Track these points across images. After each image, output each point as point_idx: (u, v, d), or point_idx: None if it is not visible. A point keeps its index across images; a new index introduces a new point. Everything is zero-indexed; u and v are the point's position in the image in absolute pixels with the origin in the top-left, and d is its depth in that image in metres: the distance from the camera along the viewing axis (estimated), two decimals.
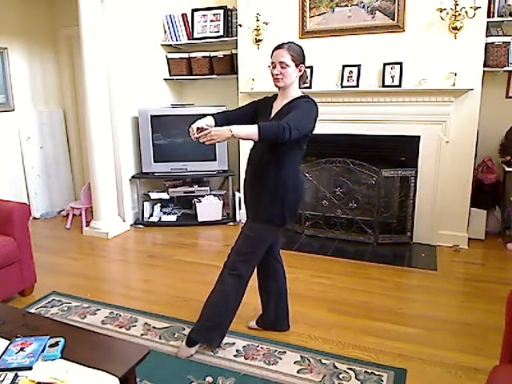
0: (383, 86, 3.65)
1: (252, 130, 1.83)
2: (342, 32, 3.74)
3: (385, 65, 3.63)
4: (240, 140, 1.95)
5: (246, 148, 3.42)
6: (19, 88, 4.53)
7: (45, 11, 4.73)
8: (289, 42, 2.08)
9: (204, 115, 2.20)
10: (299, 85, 2.15)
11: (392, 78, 3.60)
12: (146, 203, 4.49)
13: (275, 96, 2.20)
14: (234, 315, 2.24)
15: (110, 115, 4.10)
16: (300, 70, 2.09)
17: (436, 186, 3.67)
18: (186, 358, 2.20)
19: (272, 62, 2.07)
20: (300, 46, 2.10)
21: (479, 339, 2.37)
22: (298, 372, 2.10)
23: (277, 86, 2.11)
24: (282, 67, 2.03)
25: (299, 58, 2.07)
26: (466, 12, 3.28)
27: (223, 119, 2.19)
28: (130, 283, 3.22)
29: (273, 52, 2.09)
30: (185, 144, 4.26)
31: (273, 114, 2.12)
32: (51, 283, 3.09)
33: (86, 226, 4.28)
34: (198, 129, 1.89)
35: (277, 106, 2.14)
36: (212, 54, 4.51)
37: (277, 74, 2.05)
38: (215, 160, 4.36)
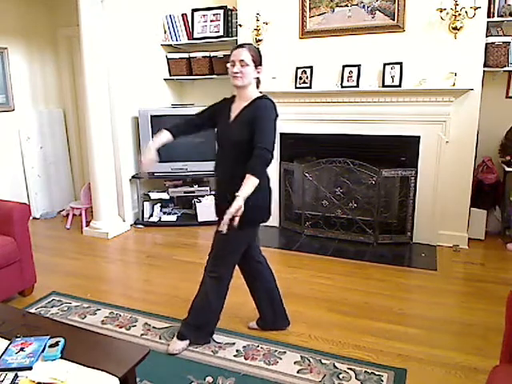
0: (383, 85, 3.65)
1: (252, 183, 1.90)
2: (342, 32, 3.74)
3: (385, 65, 3.63)
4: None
5: None
6: (19, 88, 4.53)
7: (45, 11, 4.73)
8: (249, 44, 2.14)
9: (171, 127, 2.26)
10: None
11: (392, 78, 3.60)
12: (146, 203, 4.49)
13: (233, 97, 2.20)
14: (218, 315, 2.29)
15: (110, 115, 4.10)
16: (258, 72, 2.11)
17: (436, 186, 3.67)
18: (177, 352, 2.23)
19: (232, 60, 2.07)
20: (259, 49, 2.15)
21: (479, 339, 2.37)
22: (297, 372, 2.09)
23: (235, 85, 2.10)
24: (241, 65, 2.04)
25: (258, 59, 2.10)
26: (466, 12, 3.28)
27: (181, 130, 2.28)
28: (130, 283, 3.22)
29: (232, 51, 2.10)
30: (185, 144, 4.24)
31: (232, 117, 2.12)
32: (51, 283, 3.09)
33: (86, 226, 4.28)
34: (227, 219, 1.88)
35: (235, 109, 2.13)
36: (212, 53, 4.51)
37: (236, 72, 2.05)
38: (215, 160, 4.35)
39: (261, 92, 2.17)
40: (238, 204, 1.84)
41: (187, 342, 2.28)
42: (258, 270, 2.39)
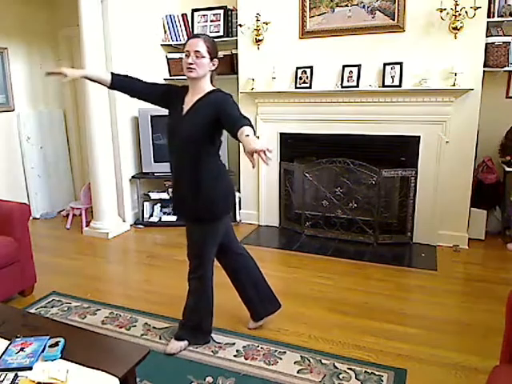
0: (383, 85, 3.65)
1: (251, 129, 1.72)
2: (342, 32, 3.74)
3: (385, 65, 3.63)
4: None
5: None
6: (19, 88, 4.53)
7: (45, 11, 4.73)
8: (204, 34, 2.06)
9: (118, 75, 2.17)
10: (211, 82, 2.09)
11: (392, 78, 3.60)
12: (146, 203, 4.49)
13: (186, 89, 2.11)
14: (210, 313, 2.30)
15: (110, 115, 4.10)
16: (213, 65, 2.04)
17: (436, 186, 3.67)
18: (176, 352, 2.23)
19: (186, 51, 1.99)
20: (214, 41, 2.07)
21: (479, 339, 2.37)
22: (298, 372, 2.09)
23: (189, 77, 2.02)
24: (196, 56, 1.97)
25: (214, 51, 2.03)
26: (466, 12, 3.28)
27: (126, 84, 2.16)
28: (130, 283, 3.22)
29: (187, 41, 2.02)
30: None
31: (185, 110, 2.05)
32: (51, 283, 3.08)
33: (86, 226, 4.28)
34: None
35: (188, 102, 2.06)
36: None
37: (190, 64, 1.97)
38: None
39: (214, 86, 2.09)
40: (250, 143, 1.59)
41: (185, 342, 2.28)
42: (240, 262, 2.38)
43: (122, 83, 2.18)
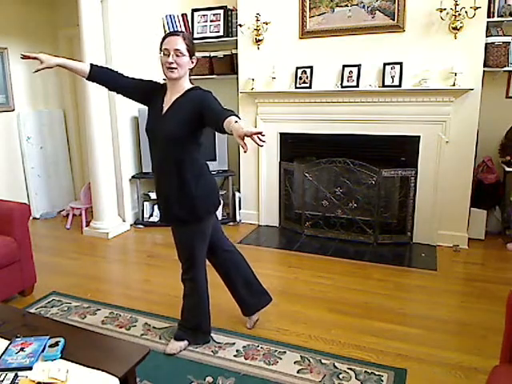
0: (383, 85, 3.65)
1: (236, 118, 1.67)
2: (342, 32, 3.74)
3: (385, 65, 3.63)
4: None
5: None
6: (19, 88, 4.53)
7: (45, 11, 4.73)
8: (182, 32, 1.99)
9: (98, 66, 2.11)
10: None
11: (392, 78, 3.60)
12: (146, 203, 4.49)
13: (165, 87, 2.06)
14: (207, 313, 2.29)
15: (110, 115, 4.10)
16: (192, 62, 1.99)
17: (436, 186, 3.67)
18: (176, 352, 2.23)
19: (165, 49, 1.92)
20: (192, 38, 2.01)
21: (479, 339, 2.37)
22: (298, 372, 2.09)
23: (169, 78, 1.97)
24: (176, 55, 1.91)
25: (193, 49, 1.97)
26: (466, 12, 3.28)
27: (104, 77, 2.08)
28: (130, 283, 3.22)
29: (164, 39, 1.95)
30: None
31: (165, 109, 2.01)
32: (51, 283, 3.09)
33: (86, 226, 4.28)
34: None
35: (168, 101, 2.02)
36: (212, 53, 4.51)
37: (171, 63, 1.90)
38: (215, 160, 4.35)
39: (192, 83, 2.05)
40: (239, 127, 1.57)
41: (185, 342, 2.28)
42: (229, 259, 2.37)
43: (101, 75, 2.11)
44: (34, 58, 2.01)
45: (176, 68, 1.93)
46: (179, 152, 1.98)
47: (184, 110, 1.95)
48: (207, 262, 2.29)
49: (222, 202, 2.22)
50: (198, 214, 2.06)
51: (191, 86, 2.04)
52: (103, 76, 2.11)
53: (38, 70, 2.02)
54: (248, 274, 2.41)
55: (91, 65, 2.09)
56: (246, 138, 1.52)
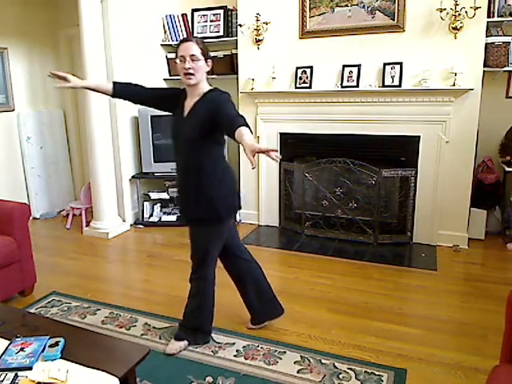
0: (383, 85, 3.65)
1: (249, 131, 1.71)
2: (342, 32, 3.73)
3: (385, 65, 3.63)
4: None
5: None
6: (19, 88, 4.53)
7: (45, 11, 4.73)
8: (195, 37, 2.06)
9: (120, 83, 2.17)
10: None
11: (392, 78, 3.60)
12: (146, 203, 4.49)
13: (185, 92, 2.10)
14: (211, 314, 2.29)
15: (110, 115, 4.10)
16: (208, 66, 2.04)
17: (436, 186, 3.67)
18: (176, 352, 2.23)
19: (181, 56, 1.96)
20: (204, 41, 2.06)
21: (479, 339, 2.37)
22: (298, 372, 2.09)
23: (187, 84, 2.01)
24: (192, 60, 1.95)
25: (206, 52, 2.02)
26: (466, 12, 3.28)
27: (129, 91, 2.14)
28: (130, 283, 3.22)
29: (179, 45, 1.99)
30: None
31: (186, 113, 2.05)
32: (51, 283, 3.09)
33: (86, 226, 4.28)
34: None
35: (188, 105, 2.06)
36: (212, 54, 4.49)
37: (188, 68, 1.95)
38: None
39: (210, 85, 2.10)
40: (253, 143, 1.60)
41: (185, 342, 2.28)
42: (244, 267, 2.38)
43: (124, 91, 2.18)
44: (63, 78, 2.09)
45: (193, 74, 1.97)
46: (198, 153, 2.02)
47: (201, 112, 1.98)
48: (219, 264, 2.29)
49: (241, 205, 2.25)
50: (215, 215, 2.08)
51: (209, 87, 2.08)
52: (126, 92, 2.18)
53: (62, 87, 2.10)
54: (262, 285, 2.41)
55: (114, 83, 2.16)
56: (255, 154, 1.55)
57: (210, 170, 2.05)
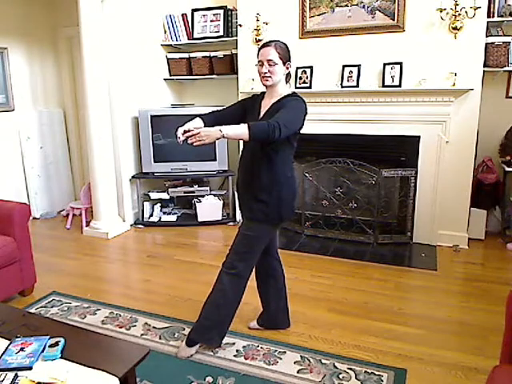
0: (383, 85, 3.65)
1: (242, 130, 1.82)
2: (342, 32, 3.74)
3: (385, 65, 3.63)
4: (240, 140, 1.95)
5: None
6: (19, 88, 4.53)
7: (45, 11, 4.72)
8: (275, 40, 2.08)
9: (204, 115, 2.20)
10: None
11: (392, 78, 3.60)
12: (146, 203, 4.49)
13: (263, 94, 2.19)
14: (233, 315, 2.23)
15: (110, 115, 4.10)
16: (287, 68, 2.09)
17: (436, 186, 3.67)
18: (186, 358, 2.20)
19: (259, 61, 2.06)
20: (286, 45, 2.09)
21: (479, 339, 2.37)
22: (298, 372, 2.10)
23: (264, 85, 2.10)
24: (269, 65, 2.02)
25: (286, 55, 2.07)
26: (466, 12, 3.28)
27: (212, 120, 2.17)
28: (130, 283, 3.22)
29: (259, 50, 2.08)
30: (185, 144, 4.25)
31: (262, 114, 2.11)
32: (51, 283, 3.09)
33: (86, 226, 4.28)
34: (184, 131, 1.93)
35: (265, 105, 2.13)
36: (212, 53, 4.51)
37: (265, 73, 2.04)
38: (215, 160, 4.36)
39: (289, 85, 2.17)
40: (210, 131, 1.81)
41: (197, 347, 2.24)
42: (275, 267, 2.39)
43: (213, 121, 2.17)
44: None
45: (270, 76, 2.04)
46: (271, 153, 2.06)
47: (273, 113, 2.00)
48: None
49: (294, 211, 2.26)
50: (278, 217, 2.13)
51: (288, 92, 2.12)
52: (215, 121, 2.17)
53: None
54: (283, 292, 2.43)
55: (201, 117, 2.17)
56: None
57: (282, 171, 2.11)
